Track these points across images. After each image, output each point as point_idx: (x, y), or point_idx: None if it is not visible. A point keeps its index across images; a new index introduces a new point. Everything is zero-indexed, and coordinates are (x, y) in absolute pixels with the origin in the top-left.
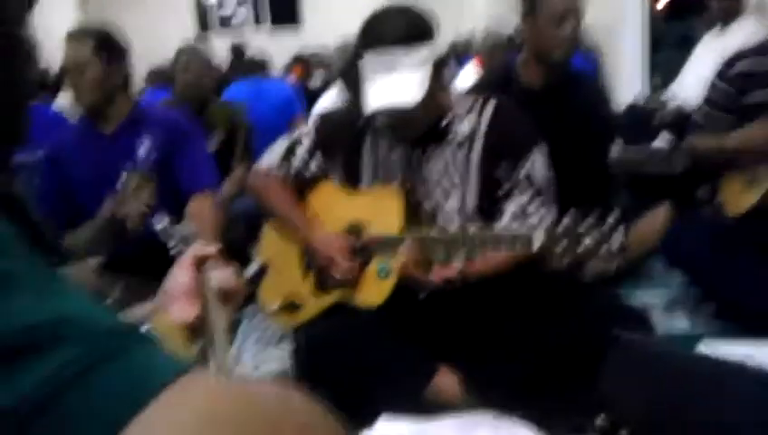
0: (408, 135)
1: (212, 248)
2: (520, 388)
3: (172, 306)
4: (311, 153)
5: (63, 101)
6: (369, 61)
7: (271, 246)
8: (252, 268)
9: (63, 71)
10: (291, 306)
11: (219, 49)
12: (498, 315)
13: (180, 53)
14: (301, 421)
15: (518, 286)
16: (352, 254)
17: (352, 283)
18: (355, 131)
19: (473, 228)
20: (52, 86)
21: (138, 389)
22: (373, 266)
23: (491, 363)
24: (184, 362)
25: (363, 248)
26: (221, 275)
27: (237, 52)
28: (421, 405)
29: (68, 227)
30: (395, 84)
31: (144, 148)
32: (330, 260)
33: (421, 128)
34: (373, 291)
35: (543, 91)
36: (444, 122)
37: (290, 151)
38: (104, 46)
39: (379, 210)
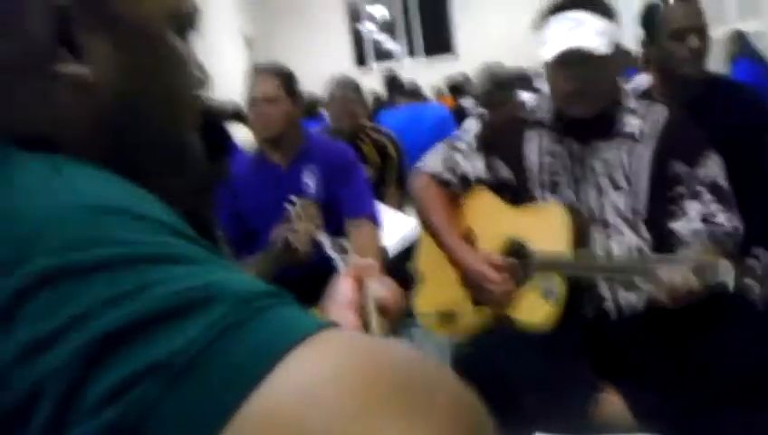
0: (580, 111)
1: (373, 262)
2: (692, 414)
3: (333, 315)
4: (471, 156)
5: (239, 133)
6: (554, 20)
7: (428, 252)
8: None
9: (251, 103)
10: (448, 315)
11: (375, 81)
12: (671, 338)
13: (332, 85)
14: (454, 397)
15: (692, 310)
16: (508, 271)
17: (505, 300)
18: (517, 130)
19: (651, 255)
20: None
21: (279, 341)
22: (535, 285)
23: (661, 387)
24: (327, 320)
25: (524, 266)
26: (380, 288)
27: (392, 81)
28: (583, 425)
29: (240, 253)
30: (583, 31)
31: (311, 178)
32: (483, 277)
33: (600, 100)
34: (537, 311)
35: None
36: (614, 113)
37: (449, 156)
38: (289, 83)
39: (544, 227)
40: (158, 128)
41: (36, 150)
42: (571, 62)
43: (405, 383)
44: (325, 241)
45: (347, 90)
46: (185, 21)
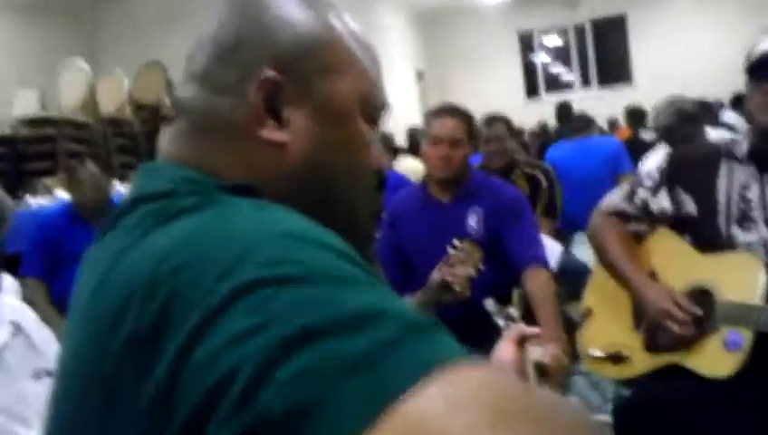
0: None
1: (535, 329)
2: None
3: None
4: (655, 190)
5: (407, 165)
6: (764, 40)
7: (600, 290)
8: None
9: (433, 141)
10: (616, 357)
11: (546, 112)
12: None
13: (482, 124)
14: (574, 422)
15: None
16: (692, 314)
17: (688, 344)
18: (708, 164)
19: None
20: (396, 150)
21: (435, 358)
22: (720, 334)
23: None
24: (469, 354)
25: (708, 316)
26: (540, 352)
27: (563, 110)
28: None
29: (401, 285)
30: None
31: (475, 218)
32: (665, 314)
33: None
34: (718, 361)
35: None
36: None
37: (632, 190)
38: (471, 127)
39: (734, 274)
40: (335, 192)
41: (242, 195)
42: None
43: (530, 407)
44: (492, 308)
45: (497, 128)
46: (374, 109)
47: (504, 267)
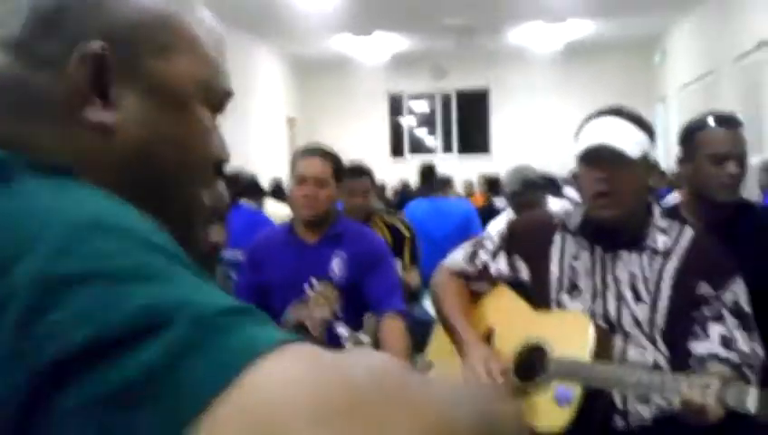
0: (606, 214)
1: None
2: None
3: None
4: (495, 254)
5: (271, 207)
6: (590, 123)
7: (440, 344)
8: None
9: (298, 181)
10: None
11: (409, 171)
12: None
13: (352, 171)
14: (415, 416)
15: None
16: (515, 374)
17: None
18: (544, 233)
19: (673, 374)
20: (260, 192)
21: (236, 358)
22: (551, 389)
23: None
24: (290, 336)
25: (540, 368)
26: None
27: (426, 171)
28: None
29: None
30: (615, 133)
31: (338, 262)
32: (477, 376)
33: (628, 205)
34: (550, 415)
35: (709, 229)
36: (643, 229)
37: (474, 252)
38: (337, 167)
39: (566, 333)
40: (168, 184)
41: (51, 175)
42: (600, 161)
43: (361, 399)
44: (344, 333)
45: (362, 181)
46: (215, 96)
47: (361, 313)
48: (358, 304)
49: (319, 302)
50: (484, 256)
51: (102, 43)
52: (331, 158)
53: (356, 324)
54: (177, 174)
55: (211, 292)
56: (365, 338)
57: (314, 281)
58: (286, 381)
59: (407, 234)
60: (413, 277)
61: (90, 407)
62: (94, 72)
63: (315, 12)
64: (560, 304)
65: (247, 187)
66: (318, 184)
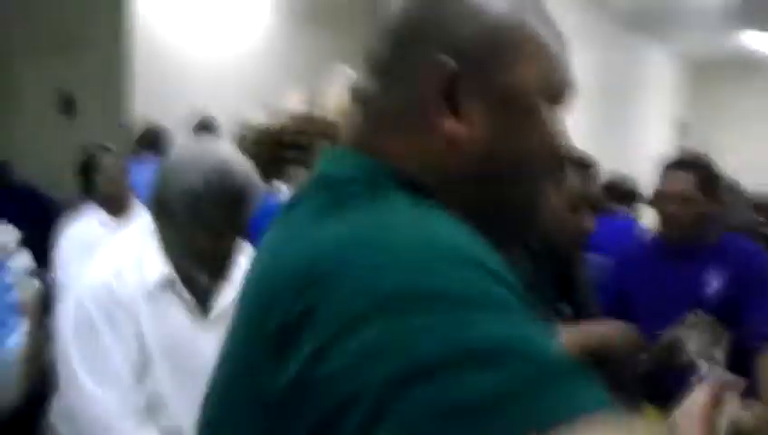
0: None
1: (740, 381)
2: None
3: (679, 422)
4: None
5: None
6: None
7: None
8: None
9: (657, 197)
10: None
11: None
12: None
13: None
14: None
15: None
16: None
17: None
18: None
19: None
20: (635, 199)
21: (561, 412)
22: None
23: None
24: (610, 405)
25: None
26: (735, 412)
27: None
28: None
29: None
30: None
31: (714, 282)
32: None
33: None
34: None
35: None
36: None
37: None
38: (707, 179)
39: None
40: (514, 188)
41: (405, 188)
42: None
43: None
44: (705, 371)
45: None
46: (559, 91)
47: (740, 344)
48: (734, 331)
49: (697, 329)
50: None
51: (453, 59)
52: (698, 168)
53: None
54: (518, 175)
55: (546, 338)
56: (719, 354)
57: (696, 312)
58: None
59: None
60: None
61: (420, 416)
62: (446, 86)
63: (714, 7)
64: None
65: (626, 193)
66: (680, 202)
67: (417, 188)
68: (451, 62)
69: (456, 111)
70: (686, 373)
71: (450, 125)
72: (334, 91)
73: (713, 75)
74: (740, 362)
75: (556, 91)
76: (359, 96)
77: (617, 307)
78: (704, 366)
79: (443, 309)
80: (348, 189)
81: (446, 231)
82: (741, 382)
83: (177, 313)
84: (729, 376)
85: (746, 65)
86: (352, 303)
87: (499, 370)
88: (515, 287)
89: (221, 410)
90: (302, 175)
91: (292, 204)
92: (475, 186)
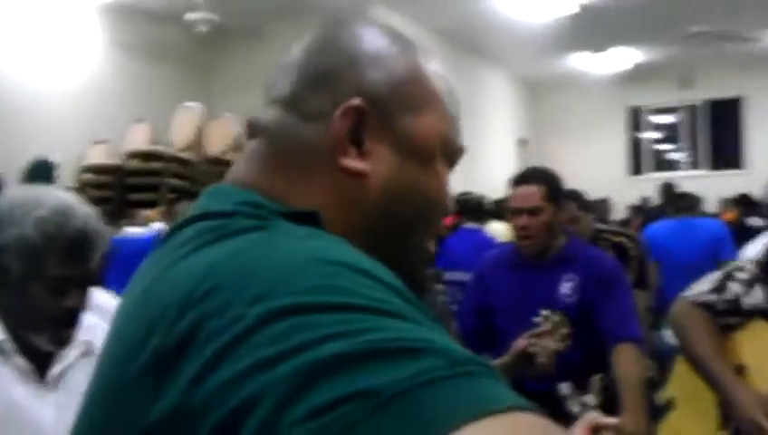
0: None
1: (612, 420)
2: None
3: None
4: (749, 285)
5: (498, 228)
6: None
7: (684, 382)
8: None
9: (512, 212)
10: None
11: (650, 190)
12: None
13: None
14: None
15: None
16: None
17: None
18: None
19: None
20: (483, 214)
21: (475, 405)
22: None
23: None
24: (519, 400)
25: None
26: None
27: (666, 190)
28: None
29: (483, 346)
30: None
31: (567, 286)
32: (753, 424)
33: None
34: None
35: None
36: None
37: (723, 282)
38: (552, 190)
39: None
40: (406, 230)
41: (303, 223)
42: None
43: None
44: (567, 392)
45: (567, 209)
46: (453, 151)
47: (588, 346)
48: (587, 334)
49: (550, 334)
50: (736, 288)
51: (361, 99)
52: (544, 181)
53: (581, 361)
54: (415, 222)
55: (449, 339)
56: (592, 400)
57: (546, 312)
58: None
59: (634, 253)
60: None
61: (337, 404)
62: (353, 125)
63: (544, 31)
64: None
65: (471, 208)
66: (531, 213)
67: (308, 223)
68: (359, 102)
69: (361, 151)
70: (540, 386)
71: (355, 162)
72: (183, 128)
73: (548, 94)
74: (595, 361)
75: (451, 150)
76: (257, 129)
77: (478, 320)
78: (575, 409)
79: (342, 314)
80: (231, 221)
81: (343, 249)
82: (613, 421)
83: (10, 381)
84: (602, 418)
85: (576, 84)
86: (240, 317)
87: (409, 365)
88: (413, 300)
89: None
90: (153, 216)
91: (168, 239)
92: (373, 226)
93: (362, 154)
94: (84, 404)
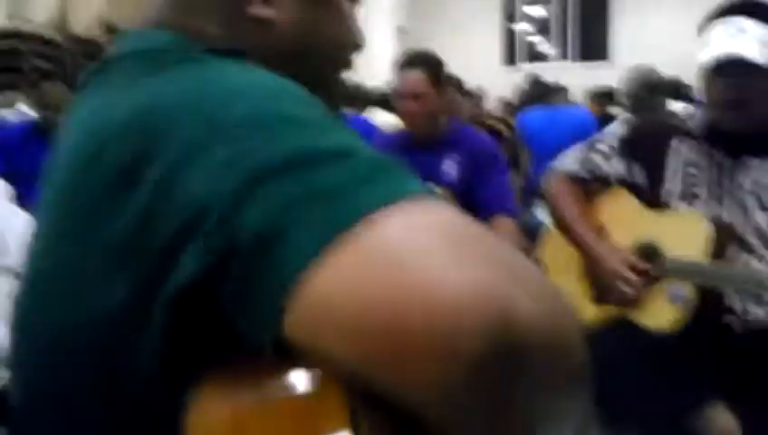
0: (734, 125)
1: None
2: None
3: None
4: (608, 157)
5: (385, 118)
6: (715, 25)
7: (551, 249)
8: None
9: (397, 96)
10: None
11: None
12: None
13: None
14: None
15: None
16: (640, 272)
17: (633, 302)
18: (663, 138)
19: None
20: (362, 101)
21: (395, 195)
22: (663, 288)
23: None
24: (423, 189)
25: (655, 269)
26: None
27: (534, 83)
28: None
29: None
30: (745, 39)
31: (451, 167)
32: (614, 274)
33: (756, 116)
34: (662, 315)
35: None
36: None
37: (586, 155)
38: (436, 74)
39: (681, 233)
40: (318, 66)
41: (228, 57)
42: (728, 71)
43: (486, 241)
44: None
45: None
46: None
47: (475, 217)
48: (473, 207)
49: None
50: (596, 159)
51: None
52: (428, 66)
53: None
54: (324, 59)
55: (370, 147)
56: None
57: (431, 186)
58: (426, 218)
59: (508, 136)
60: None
61: (273, 204)
62: None
63: None
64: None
65: (356, 97)
66: (415, 99)
67: (235, 57)
68: None
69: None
70: None
71: (260, 9)
72: (39, 2)
73: None
74: None
75: None
76: None
77: None
78: None
79: (284, 127)
80: (164, 56)
81: (280, 78)
82: None
83: None
84: None
85: None
86: (197, 131)
87: (342, 167)
88: (338, 120)
89: (55, 269)
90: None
91: (93, 80)
92: (286, 68)
93: (267, 1)
94: (29, 272)
